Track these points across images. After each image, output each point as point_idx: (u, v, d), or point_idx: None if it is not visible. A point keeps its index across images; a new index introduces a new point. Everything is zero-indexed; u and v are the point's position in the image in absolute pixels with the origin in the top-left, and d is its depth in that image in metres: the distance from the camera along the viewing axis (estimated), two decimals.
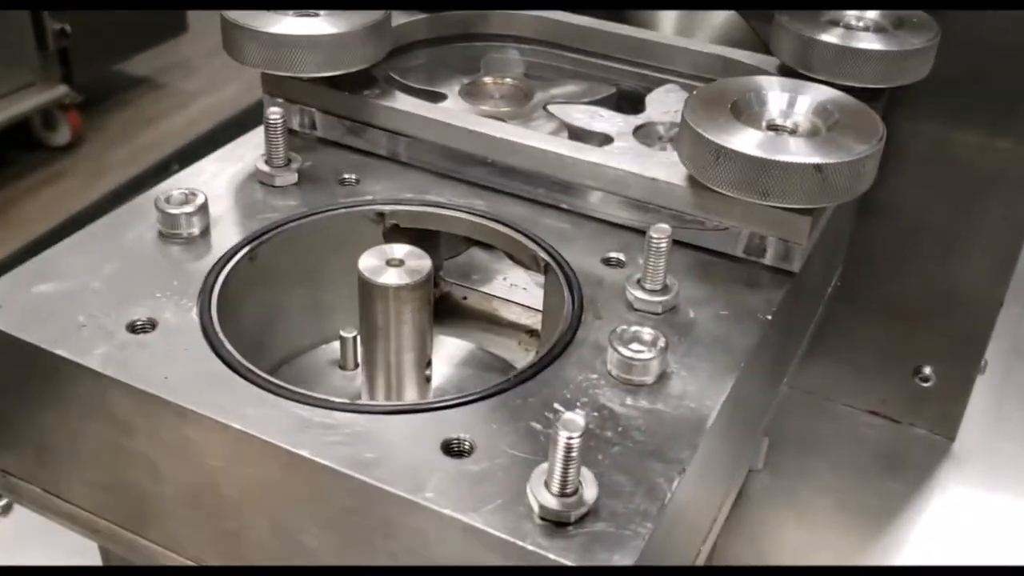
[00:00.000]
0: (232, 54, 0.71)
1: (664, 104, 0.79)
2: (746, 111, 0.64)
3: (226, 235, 0.65)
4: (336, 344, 0.71)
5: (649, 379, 0.54)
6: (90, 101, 3.38)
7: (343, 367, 0.70)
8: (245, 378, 0.54)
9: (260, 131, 0.76)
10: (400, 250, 0.59)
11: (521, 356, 0.73)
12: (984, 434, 0.94)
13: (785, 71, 0.76)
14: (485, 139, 0.69)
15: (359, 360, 0.69)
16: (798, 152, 0.58)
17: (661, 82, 0.82)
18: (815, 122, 0.63)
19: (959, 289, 0.89)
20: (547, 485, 0.46)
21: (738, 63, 0.80)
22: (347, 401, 0.53)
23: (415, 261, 0.59)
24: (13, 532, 0.82)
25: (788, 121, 0.63)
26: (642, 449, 0.51)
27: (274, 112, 0.68)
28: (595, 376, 0.55)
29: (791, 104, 0.64)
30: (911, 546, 0.84)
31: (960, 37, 0.77)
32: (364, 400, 0.64)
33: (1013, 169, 0.83)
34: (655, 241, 0.58)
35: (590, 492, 0.47)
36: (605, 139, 0.74)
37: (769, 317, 0.60)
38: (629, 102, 0.82)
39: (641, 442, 0.51)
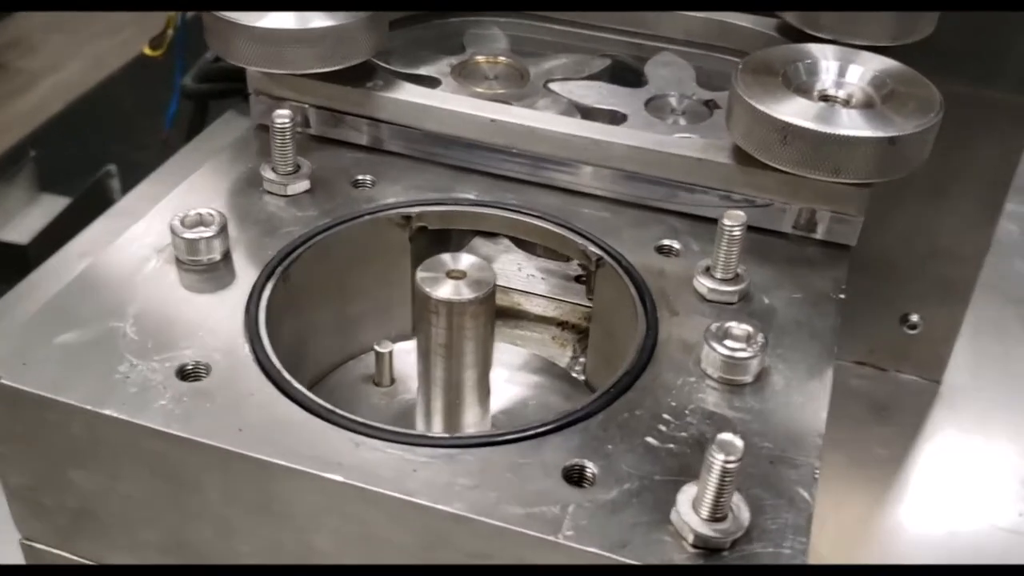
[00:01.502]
0: (223, 53, 0.64)
1: (665, 75, 0.76)
2: (795, 81, 0.61)
3: (249, 256, 0.59)
4: (364, 358, 0.66)
5: (749, 377, 0.52)
6: None
7: (378, 383, 0.65)
8: (328, 421, 0.49)
9: (237, 131, 0.71)
10: (462, 261, 0.55)
11: (558, 352, 0.70)
12: (968, 373, 0.96)
13: (785, 31, 0.74)
14: (509, 128, 0.65)
15: (394, 376, 0.65)
16: (866, 126, 0.56)
17: (654, 51, 0.79)
18: (868, 92, 0.61)
19: (945, 235, 0.89)
20: (696, 510, 0.44)
21: (734, 26, 0.78)
22: (446, 436, 0.49)
23: (478, 273, 0.55)
24: None
25: (841, 92, 0.61)
26: (769, 455, 0.48)
27: (282, 115, 0.62)
28: (693, 379, 0.52)
29: (841, 73, 0.62)
30: (924, 490, 0.84)
31: None
32: (419, 423, 0.59)
33: (999, 118, 0.83)
34: (728, 228, 0.56)
35: (744, 514, 0.44)
36: (618, 116, 0.71)
37: (842, 296, 0.59)
38: (623, 73, 0.78)
39: (766, 448, 0.49)
